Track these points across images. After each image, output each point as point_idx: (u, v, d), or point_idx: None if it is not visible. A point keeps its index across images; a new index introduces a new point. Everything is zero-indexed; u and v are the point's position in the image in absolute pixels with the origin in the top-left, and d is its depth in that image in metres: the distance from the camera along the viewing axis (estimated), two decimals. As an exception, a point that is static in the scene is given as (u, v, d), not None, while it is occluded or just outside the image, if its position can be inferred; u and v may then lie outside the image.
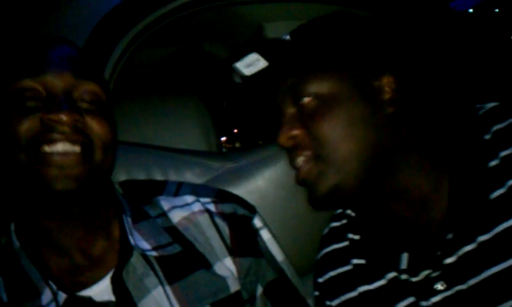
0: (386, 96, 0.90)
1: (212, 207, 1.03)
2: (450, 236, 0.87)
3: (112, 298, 0.88)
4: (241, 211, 1.05)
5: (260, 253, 1.04)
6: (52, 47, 0.89)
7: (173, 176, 1.24)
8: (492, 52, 1.82)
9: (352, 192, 0.90)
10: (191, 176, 1.25)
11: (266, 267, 1.05)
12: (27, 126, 0.82)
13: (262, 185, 1.25)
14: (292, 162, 0.96)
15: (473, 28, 1.81)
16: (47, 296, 0.87)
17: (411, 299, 0.91)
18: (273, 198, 1.26)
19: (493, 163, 0.86)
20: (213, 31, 1.98)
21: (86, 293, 0.88)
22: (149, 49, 2.00)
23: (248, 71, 0.95)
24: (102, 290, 0.89)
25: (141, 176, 1.22)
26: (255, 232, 1.06)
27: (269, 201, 1.24)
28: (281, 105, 0.97)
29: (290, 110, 0.95)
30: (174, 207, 1.01)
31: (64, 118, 0.81)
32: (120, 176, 1.17)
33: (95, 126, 0.86)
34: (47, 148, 0.81)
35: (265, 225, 1.08)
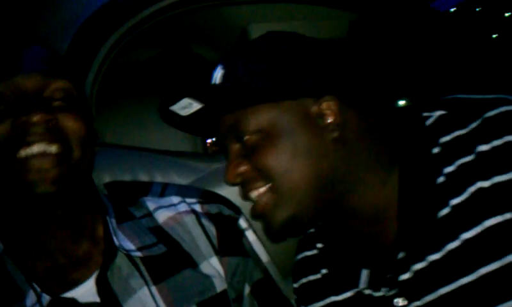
0: (329, 121, 0.87)
1: (198, 208, 1.03)
2: (401, 254, 0.86)
3: (97, 299, 0.88)
4: (227, 211, 1.06)
5: (247, 253, 1.05)
6: (20, 49, 0.88)
7: (158, 178, 1.24)
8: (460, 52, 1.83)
9: (308, 219, 0.90)
10: (177, 177, 1.25)
11: (253, 266, 1.05)
12: None
13: (247, 185, 1.25)
14: (245, 197, 0.94)
15: (448, 28, 1.82)
16: (31, 298, 0.86)
17: None
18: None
19: (440, 179, 0.84)
20: (199, 32, 1.98)
21: (70, 294, 0.88)
22: (134, 51, 2.00)
23: (184, 113, 0.92)
24: (86, 290, 0.88)
25: (126, 177, 1.22)
26: (241, 233, 1.06)
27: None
28: (225, 142, 0.94)
29: (234, 146, 0.92)
30: (160, 207, 1.01)
31: (35, 118, 0.80)
32: (105, 178, 1.17)
33: (68, 123, 0.85)
34: (22, 152, 0.80)
35: (250, 226, 1.08)
